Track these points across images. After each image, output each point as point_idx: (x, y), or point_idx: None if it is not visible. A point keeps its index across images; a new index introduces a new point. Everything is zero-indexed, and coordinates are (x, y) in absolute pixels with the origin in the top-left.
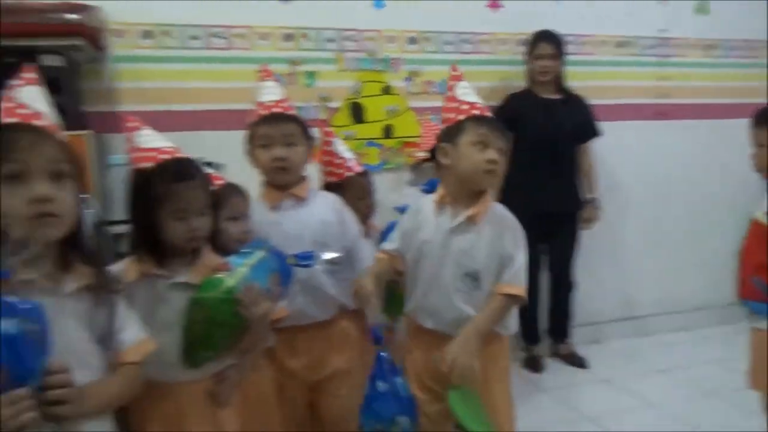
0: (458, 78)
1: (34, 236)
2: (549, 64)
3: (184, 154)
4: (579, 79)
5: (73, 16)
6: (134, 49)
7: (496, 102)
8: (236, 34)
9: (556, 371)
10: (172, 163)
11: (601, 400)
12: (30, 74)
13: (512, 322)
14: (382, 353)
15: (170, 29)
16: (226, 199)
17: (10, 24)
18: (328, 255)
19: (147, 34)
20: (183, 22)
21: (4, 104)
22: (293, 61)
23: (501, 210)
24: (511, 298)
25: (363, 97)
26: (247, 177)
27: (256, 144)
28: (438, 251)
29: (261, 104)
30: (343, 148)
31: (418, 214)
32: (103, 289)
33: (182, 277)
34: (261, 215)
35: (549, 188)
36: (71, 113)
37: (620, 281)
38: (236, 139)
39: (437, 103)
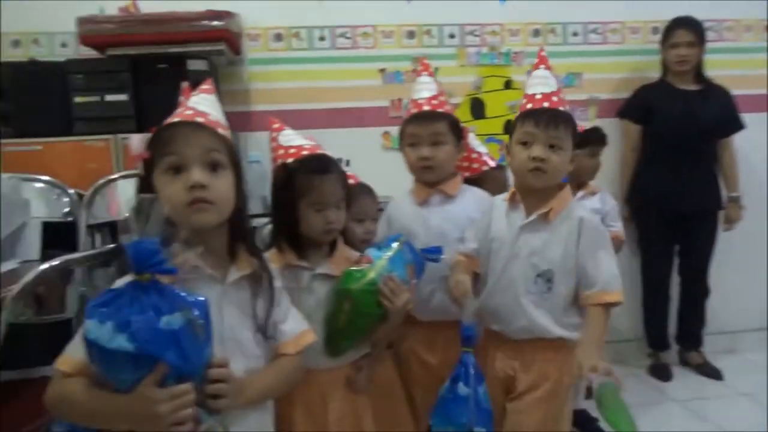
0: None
1: (189, 222)
2: (687, 53)
3: (323, 151)
4: (719, 68)
5: (218, 23)
6: (267, 51)
7: (627, 94)
8: (361, 33)
9: (685, 381)
10: (313, 157)
11: (741, 416)
12: (206, 86)
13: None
14: (468, 355)
15: (299, 31)
16: (355, 199)
17: (163, 33)
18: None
19: (278, 37)
20: (311, 24)
21: (178, 109)
22: (415, 59)
23: (581, 208)
24: (610, 305)
25: (484, 92)
26: (371, 174)
27: (405, 142)
28: (507, 250)
29: (413, 101)
30: (477, 143)
31: (491, 211)
32: (263, 279)
33: (324, 269)
34: (408, 209)
35: (686, 186)
36: None
37: (759, 287)
38: (361, 136)
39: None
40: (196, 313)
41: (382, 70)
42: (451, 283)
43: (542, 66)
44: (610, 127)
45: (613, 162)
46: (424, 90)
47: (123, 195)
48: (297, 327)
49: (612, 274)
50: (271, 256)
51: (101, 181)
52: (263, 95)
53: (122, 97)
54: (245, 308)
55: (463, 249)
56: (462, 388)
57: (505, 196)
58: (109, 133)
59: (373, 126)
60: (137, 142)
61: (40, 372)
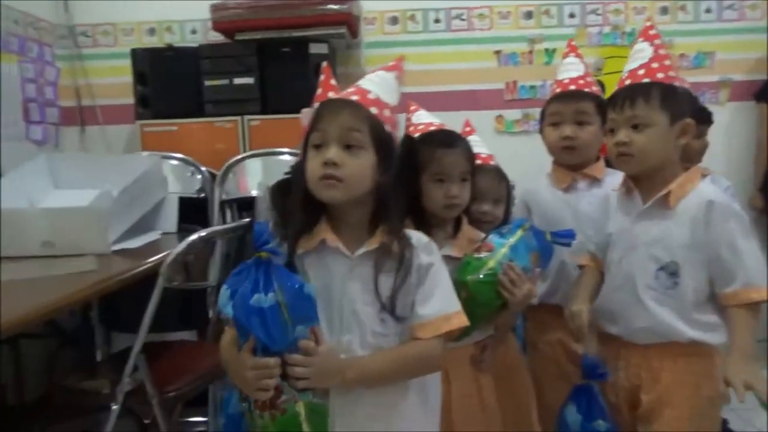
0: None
1: (320, 196)
2: None
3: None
4: None
5: (340, 7)
6: (382, 35)
7: (764, 75)
8: (477, 14)
9: None
10: (437, 131)
11: None
12: (390, 64)
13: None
14: (592, 386)
15: (415, 14)
16: (478, 178)
17: (288, 18)
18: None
19: (394, 21)
20: (426, 7)
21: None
22: (533, 40)
23: (712, 190)
24: (756, 304)
25: (605, 74)
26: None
27: (547, 122)
28: (624, 242)
29: (558, 82)
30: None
31: (606, 201)
32: (390, 256)
33: (445, 250)
34: (550, 196)
35: None
36: None
37: None
38: (474, 119)
39: (691, 78)
40: (290, 293)
41: (498, 52)
42: (567, 314)
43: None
44: (745, 111)
45: (746, 149)
46: (571, 70)
47: (251, 173)
48: (440, 310)
49: (756, 266)
50: None
51: (233, 159)
52: None
53: (249, 80)
54: (368, 283)
55: (587, 248)
56: (573, 415)
57: (617, 186)
58: (237, 114)
59: (486, 109)
60: (306, 115)
61: (178, 336)
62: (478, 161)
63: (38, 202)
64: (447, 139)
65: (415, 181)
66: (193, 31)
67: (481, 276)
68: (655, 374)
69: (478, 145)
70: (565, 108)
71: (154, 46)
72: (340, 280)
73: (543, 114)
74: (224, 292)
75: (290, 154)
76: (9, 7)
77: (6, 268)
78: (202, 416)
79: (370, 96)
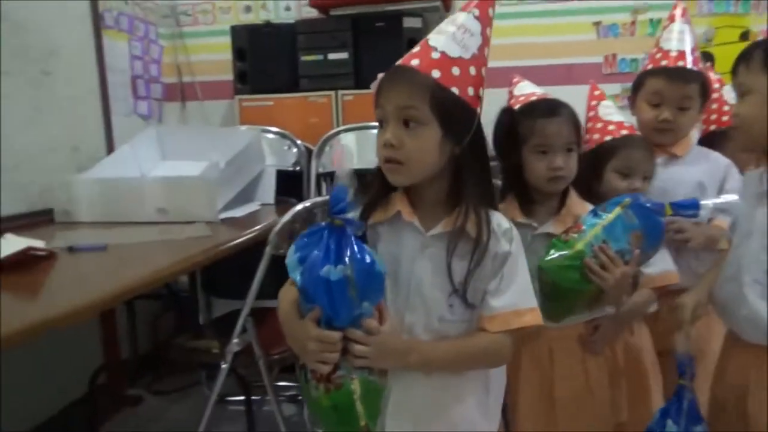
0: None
1: (388, 178)
2: None
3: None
4: None
5: None
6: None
7: None
8: None
9: None
10: (539, 101)
11: None
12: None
13: None
14: (686, 388)
15: None
16: (619, 150)
17: None
18: (718, 200)
19: None
20: None
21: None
22: (636, 10)
23: None
24: None
25: (715, 45)
26: None
27: (644, 98)
28: (743, 226)
29: (663, 52)
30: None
31: (724, 180)
32: (464, 238)
33: (547, 227)
34: None
35: None
36: None
37: None
38: (570, 94)
39: None
40: (360, 268)
41: (597, 23)
42: (675, 303)
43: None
44: None
45: None
46: (680, 40)
47: (345, 147)
48: (513, 304)
49: None
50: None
51: (330, 133)
52: None
53: (343, 55)
54: (440, 265)
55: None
56: (670, 426)
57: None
58: (331, 89)
59: (583, 83)
60: (375, 87)
61: (275, 304)
62: (624, 131)
63: (149, 172)
64: (549, 108)
65: (515, 154)
66: (287, 8)
67: (561, 259)
68: (761, 379)
69: (615, 113)
70: (669, 90)
71: (252, 23)
72: (411, 258)
73: (638, 84)
74: (292, 256)
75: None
76: None
77: (128, 233)
78: (294, 381)
79: (434, 55)
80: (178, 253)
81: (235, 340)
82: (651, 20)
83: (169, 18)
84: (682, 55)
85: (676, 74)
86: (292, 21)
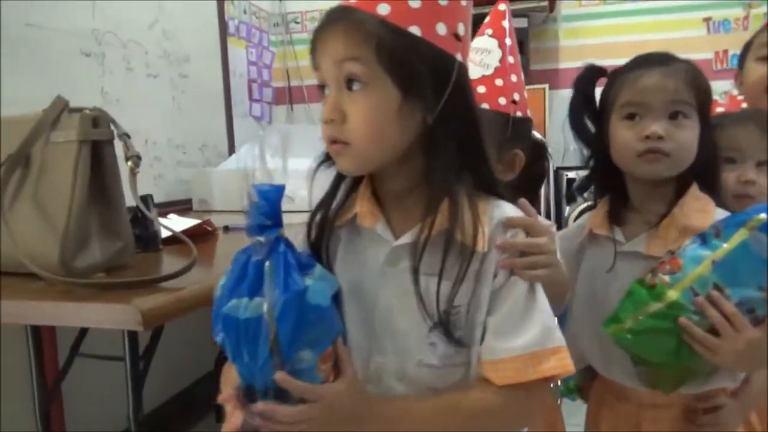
0: None
1: None
2: None
3: None
4: None
5: None
6: (580, 7)
7: None
8: None
9: None
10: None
11: None
12: None
13: None
14: None
15: None
16: (728, 128)
17: None
18: None
19: None
20: None
21: None
22: (750, 4)
23: None
24: None
25: None
26: None
27: (755, 53)
28: None
29: None
30: None
31: None
32: (450, 248)
33: (637, 244)
34: None
35: None
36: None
37: None
38: None
39: None
40: (283, 306)
41: (708, 19)
42: None
43: None
44: None
45: None
46: None
47: None
48: (528, 344)
49: None
50: (591, 219)
51: None
52: (572, 52)
53: None
54: (410, 288)
55: None
56: None
57: None
58: None
59: None
60: None
61: None
62: (720, 108)
63: (275, 166)
64: (649, 58)
65: (604, 134)
66: None
67: (639, 321)
68: None
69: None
70: None
71: None
72: (374, 277)
73: (749, 47)
74: (221, 281)
75: None
76: None
77: None
78: None
79: None
80: None
81: None
82: (766, 14)
83: (279, 26)
84: None
85: None
86: None
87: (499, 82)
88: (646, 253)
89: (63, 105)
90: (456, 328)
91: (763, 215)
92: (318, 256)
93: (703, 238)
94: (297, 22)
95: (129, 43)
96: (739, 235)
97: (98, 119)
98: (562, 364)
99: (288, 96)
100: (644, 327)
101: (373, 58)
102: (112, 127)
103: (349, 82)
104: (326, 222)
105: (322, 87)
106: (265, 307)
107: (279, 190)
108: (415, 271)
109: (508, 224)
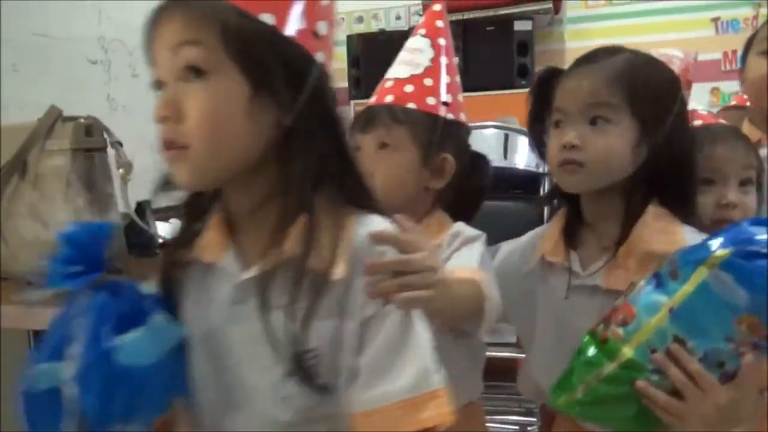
0: None
1: None
2: None
3: None
4: None
5: None
6: (585, 9)
7: None
8: None
9: None
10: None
11: None
12: None
13: None
14: None
15: None
16: (705, 145)
17: None
18: None
19: None
20: None
21: None
22: (759, 3)
23: None
24: None
25: None
26: None
27: (758, 49)
28: None
29: None
30: None
31: None
32: (300, 277)
33: (595, 277)
34: None
35: None
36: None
37: None
38: (691, 92)
39: None
40: (84, 374)
41: (716, 19)
42: None
43: None
44: None
45: None
46: None
47: None
48: (406, 387)
49: None
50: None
51: None
52: (578, 54)
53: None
54: (260, 329)
55: None
56: None
57: None
58: None
59: (700, 81)
60: None
61: None
62: (698, 120)
63: None
64: (582, 59)
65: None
66: (398, 17)
67: (589, 387)
68: None
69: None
70: None
71: (366, 32)
72: (223, 318)
73: (751, 41)
74: None
75: (495, 127)
76: None
77: None
78: None
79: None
80: None
81: None
82: None
83: None
84: None
85: None
86: (405, 28)
87: (428, 81)
88: (605, 288)
89: (57, 114)
90: (317, 375)
91: (723, 250)
92: (171, 299)
93: (659, 279)
94: None
95: (135, 50)
96: (699, 275)
97: (91, 128)
98: (440, 413)
99: None
100: (598, 395)
101: (217, 42)
102: (105, 135)
103: (188, 71)
104: (174, 257)
105: (158, 85)
106: (65, 374)
107: (100, 229)
108: (264, 308)
109: (374, 239)
